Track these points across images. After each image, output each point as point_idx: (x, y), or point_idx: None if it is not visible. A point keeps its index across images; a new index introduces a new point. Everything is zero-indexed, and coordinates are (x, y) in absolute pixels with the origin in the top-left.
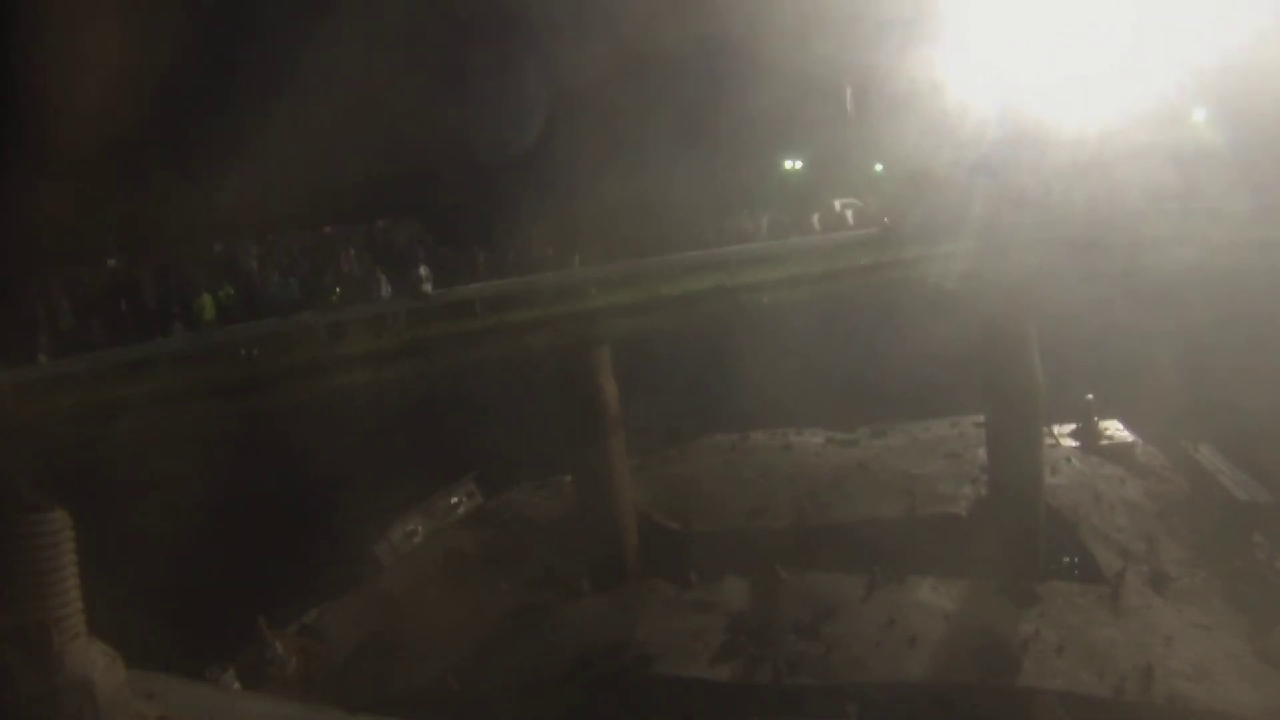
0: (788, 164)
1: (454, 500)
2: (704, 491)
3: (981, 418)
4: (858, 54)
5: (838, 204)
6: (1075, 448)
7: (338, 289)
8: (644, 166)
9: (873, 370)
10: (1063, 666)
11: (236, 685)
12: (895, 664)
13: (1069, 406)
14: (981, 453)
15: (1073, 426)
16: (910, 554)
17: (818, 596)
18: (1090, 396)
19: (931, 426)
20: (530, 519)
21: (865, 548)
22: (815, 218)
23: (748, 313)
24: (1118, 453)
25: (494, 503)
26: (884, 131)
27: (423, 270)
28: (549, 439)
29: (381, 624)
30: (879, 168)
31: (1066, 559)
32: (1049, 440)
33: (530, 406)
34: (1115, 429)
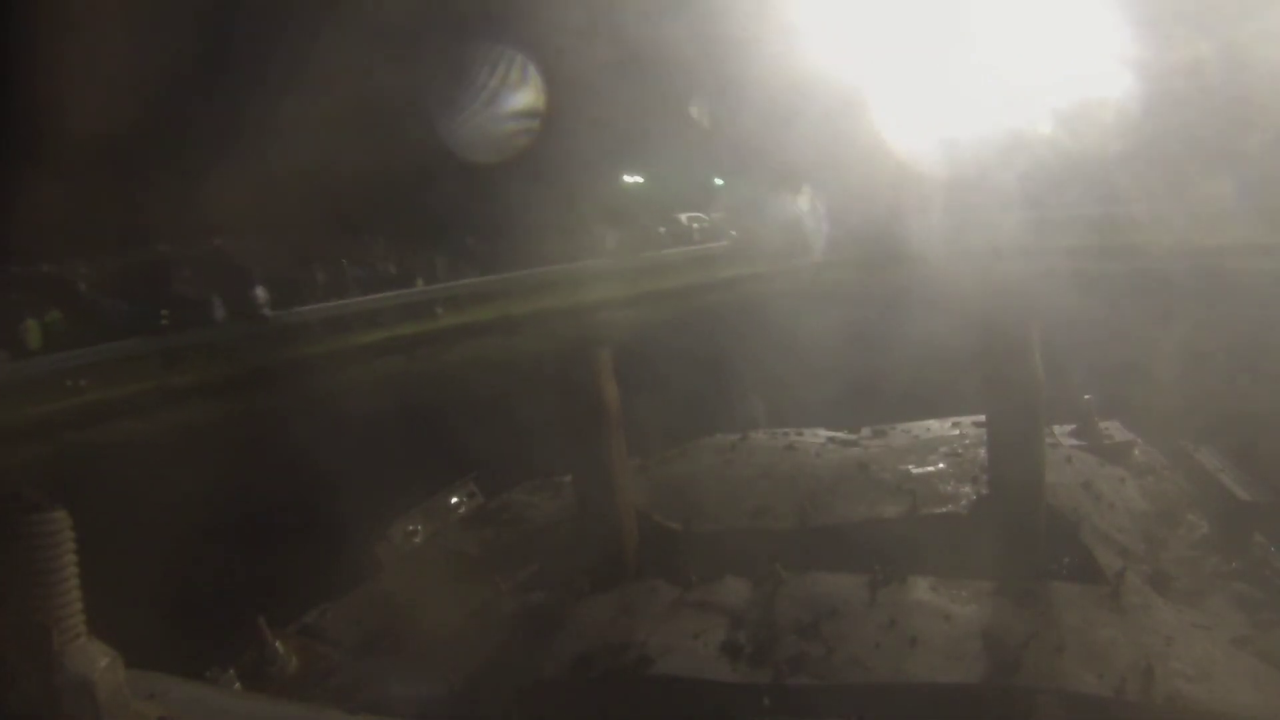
0: (627, 179)
1: (454, 500)
2: (704, 491)
3: (982, 417)
4: (709, 65)
5: (684, 218)
6: (1075, 447)
7: (164, 311)
8: (486, 183)
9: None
10: (1063, 666)
11: (236, 685)
12: (896, 664)
13: (1069, 406)
14: (982, 452)
15: (1073, 426)
16: (911, 554)
17: (818, 597)
18: (1090, 396)
19: (932, 426)
20: (530, 519)
21: (866, 548)
22: (662, 231)
23: (606, 330)
24: (1118, 453)
25: (494, 503)
26: (744, 146)
27: (259, 291)
28: (548, 439)
29: (381, 624)
30: (719, 181)
31: (1066, 559)
32: (1049, 440)
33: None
34: (1115, 429)
